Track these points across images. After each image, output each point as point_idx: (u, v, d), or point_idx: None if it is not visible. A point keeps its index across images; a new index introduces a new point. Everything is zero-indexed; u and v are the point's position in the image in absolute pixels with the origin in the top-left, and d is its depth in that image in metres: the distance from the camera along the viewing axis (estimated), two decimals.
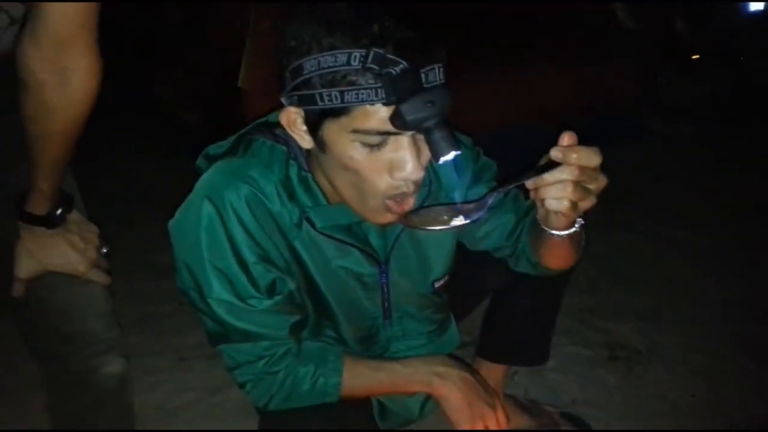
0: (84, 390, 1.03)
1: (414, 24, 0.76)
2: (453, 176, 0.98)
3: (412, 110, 0.74)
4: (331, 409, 0.92)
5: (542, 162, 0.75)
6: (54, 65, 0.74)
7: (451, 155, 0.77)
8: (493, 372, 1.28)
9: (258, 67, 2.34)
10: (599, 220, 2.38)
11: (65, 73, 0.75)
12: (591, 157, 0.72)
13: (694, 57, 3.43)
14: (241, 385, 0.93)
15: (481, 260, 1.12)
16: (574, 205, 0.74)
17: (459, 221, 0.82)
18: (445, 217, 0.83)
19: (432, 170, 0.97)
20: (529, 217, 1.04)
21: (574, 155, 0.72)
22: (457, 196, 1.00)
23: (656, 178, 2.80)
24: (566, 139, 0.73)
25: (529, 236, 1.00)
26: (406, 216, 0.84)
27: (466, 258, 1.11)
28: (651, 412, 1.44)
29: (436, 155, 0.78)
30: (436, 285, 1.05)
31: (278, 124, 0.90)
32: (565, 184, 0.73)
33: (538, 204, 0.78)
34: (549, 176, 0.73)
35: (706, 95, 3.44)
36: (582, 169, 0.72)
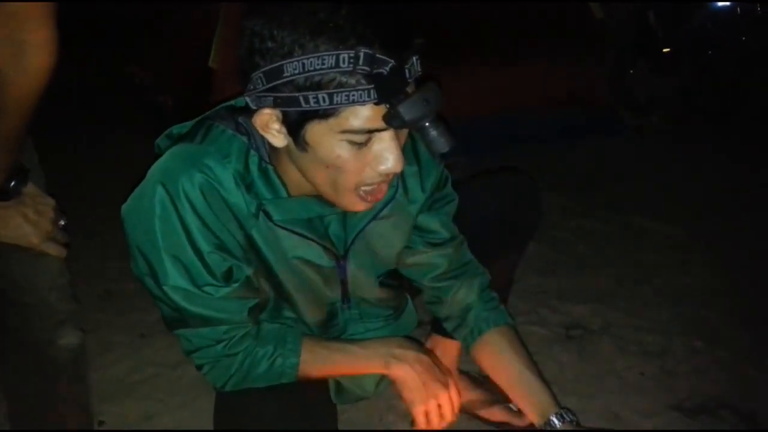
0: (39, 362, 1.04)
1: (390, 17, 0.75)
2: (417, 190, 1.00)
3: (410, 110, 0.74)
4: (288, 386, 0.93)
5: None
6: (10, 39, 0.73)
7: (447, 148, 0.79)
8: (448, 348, 1.30)
9: (229, 47, 2.33)
10: (563, 207, 2.43)
11: (21, 46, 0.74)
12: None
13: (665, 51, 3.47)
14: (199, 367, 0.94)
15: None
16: None
17: None
18: None
19: (398, 176, 0.94)
20: (477, 294, 1.09)
21: None
22: (414, 210, 1.02)
23: (624, 170, 2.85)
24: None
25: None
26: None
27: None
28: (601, 388, 1.49)
29: (433, 150, 0.79)
30: (383, 278, 1.06)
31: (243, 110, 0.89)
32: None
33: None
34: None
35: (676, 89, 3.49)
36: None
